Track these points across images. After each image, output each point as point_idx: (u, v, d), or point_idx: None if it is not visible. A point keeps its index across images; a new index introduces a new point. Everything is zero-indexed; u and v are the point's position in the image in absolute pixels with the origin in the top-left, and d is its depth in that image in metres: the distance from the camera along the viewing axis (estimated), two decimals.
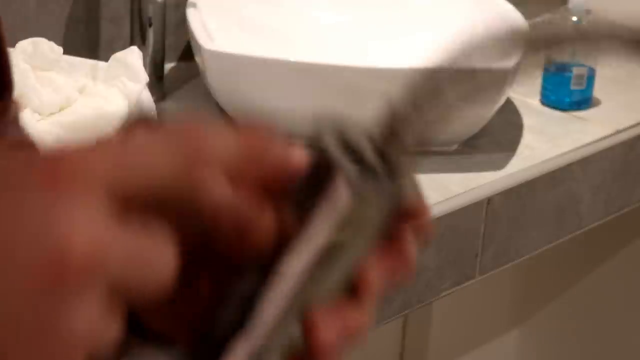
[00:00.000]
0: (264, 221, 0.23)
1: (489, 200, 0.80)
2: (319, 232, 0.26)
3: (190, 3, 0.97)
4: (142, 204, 0.20)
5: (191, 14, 0.96)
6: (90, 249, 0.18)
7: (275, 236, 0.24)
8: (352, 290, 0.27)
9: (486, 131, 0.87)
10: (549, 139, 0.94)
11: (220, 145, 0.22)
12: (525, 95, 1.01)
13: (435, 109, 0.27)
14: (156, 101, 0.91)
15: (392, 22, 1.10)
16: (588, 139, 0.95)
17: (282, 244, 0.25)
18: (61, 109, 0.85)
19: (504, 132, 0.90)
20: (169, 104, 1.02)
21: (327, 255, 0.26)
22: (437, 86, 0.27)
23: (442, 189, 0.82)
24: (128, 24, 1.06)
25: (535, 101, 1.01)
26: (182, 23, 0.99)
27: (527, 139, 0.87)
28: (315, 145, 0.25)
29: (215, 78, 0.94)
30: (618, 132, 0.95)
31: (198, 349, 0.26)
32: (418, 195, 0.27)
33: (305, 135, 0.26)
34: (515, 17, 0.97)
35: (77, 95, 0.86)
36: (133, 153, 0.20)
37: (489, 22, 0.98)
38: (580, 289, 1.46)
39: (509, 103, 0.93)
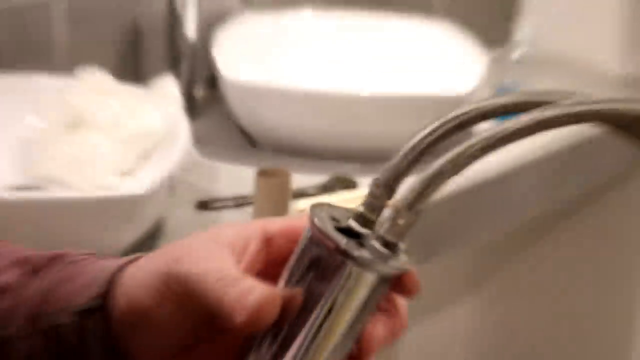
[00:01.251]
0: (275, 308, 0.28)
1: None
2: (330, 303, 0.29)
3: (215, 42, 1.14)
4: None
5: (215, 50, 1.12)
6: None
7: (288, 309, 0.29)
8: (358, 346, 0.30)
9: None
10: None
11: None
12: None
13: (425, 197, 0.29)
14: (190, 121, 1.04)
15: (388, 56, 1.24)
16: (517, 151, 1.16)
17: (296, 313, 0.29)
18: (116, 127, 0.98)
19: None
20: (200, 124, 1.15)
21: (339, 321, 0.30)
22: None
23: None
24: (166, 58, 1.21)
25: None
26: (208, 57, 1.14)
27: None
28: (323, 232, 0.29)
29: (233, 102, 1.08)
30: (541, 146, 1.17)
31: None
32: (408, 265, 0.30)
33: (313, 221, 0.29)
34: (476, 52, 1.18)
35: (128, 116, 1.00)
36: None
37: (452, 55, 1.20)
38: (524, 262, 1.68)
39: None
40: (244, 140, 1.23)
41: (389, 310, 0.30)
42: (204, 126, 1.18)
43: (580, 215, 1.59)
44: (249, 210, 1.03)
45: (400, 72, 1.18)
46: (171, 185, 1.02)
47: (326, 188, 1.10)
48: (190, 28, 1.16)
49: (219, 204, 1.06)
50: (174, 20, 1.17)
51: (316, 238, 0.29)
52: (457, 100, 0.99)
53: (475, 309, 1.85)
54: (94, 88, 1.01)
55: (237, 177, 1.10)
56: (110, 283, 0.33)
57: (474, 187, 1.06)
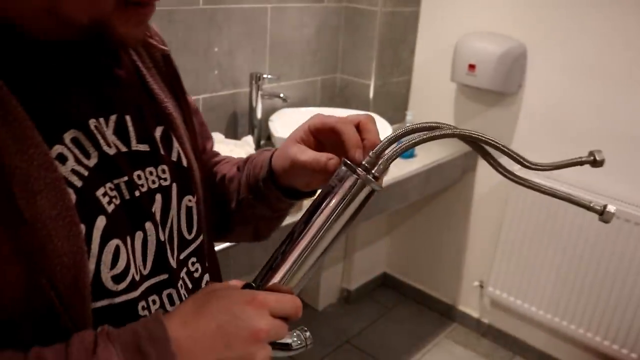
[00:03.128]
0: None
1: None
2: (343, 197, 0.54)
3: (270, 121, 1.79)
4: (277, 315, 0.50)
5: (270, 124, 1.78)
6: (264, 329, 0.47)
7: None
8: None
9: None
10: (400, 166, 1.83)
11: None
12: None
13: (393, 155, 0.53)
14: None
15: None
16: (414, 166, 1.88)
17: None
18: None
19: None
20: None
21: (339, 216, 0.54)
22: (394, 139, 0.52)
23: None
24: (248, 127, 1.85)
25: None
26: (267, 127, 1.80)
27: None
28: (345, 166, 0.55)
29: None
30: (423, 166, 1.87)
31: None
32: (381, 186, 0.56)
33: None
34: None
35: (229, 153, 1.40)
36: (280, 303, 0.51)
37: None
38: (411, 219, 2.54)
39: None
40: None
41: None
42: None
43: (437, 199, 2.52)
44: None
45: None
46: None
47: None
48: (259, 114, 1.81)
49: None
50: (251, 110, 1.80)
51: (345, 166, 0.54)
52: None
53: (390, 241, 2.72)
54: (216, 140, 1.31)
55: None
56: (270, 161, 0.69)
57: (392, 184, 1.77)
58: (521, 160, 0.53)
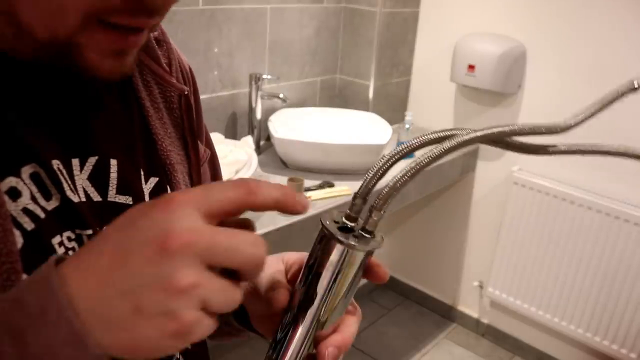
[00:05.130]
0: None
1: None
2: (336, 271, 0.40)
3: (269, 121, 1.77)
4: (218, 216, 0.31)
5: (270, 124, 1.76)
6: (184, 234, 0.28)
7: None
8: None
9: None
10: (399, 167, 1.82)
11: (264, 193, 0.32)
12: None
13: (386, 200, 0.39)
14: (257, 156, 1.61)
15: (348, 128, 1.87)
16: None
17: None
18: (225, 158, 1.47)
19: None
20: (262, 157, 1.75)
21: (343, 282, 0.41)
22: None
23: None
24: (248, 127, 1.84)
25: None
26: (267, 127, 1.77)
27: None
28: (324, 228, 0.40)
29: (277, 147, 1.68)
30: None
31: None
32: (382, 243, 0.40)
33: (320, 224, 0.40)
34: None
35: (229, 153, 1.50)
36: (213, 191, 0.31)
37: (377, 127, 1.79)
38: (410, 219, 2.54)
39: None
40: (282, 164, 1.77)
41: (370, 271, 0.43)
42: (264, 158, 1.80)
43: (437, 199, 2.52)
44: None
45: (353, 134, 1.85)
46: None
47: (320, 187, 1.61)
48: (258, 114, 1.80)
49: None
50: (251, 111, 1.79)
51: (326, 234, 0.40)
52: (380, 147, 1.66)
53: (390, 241, 2.72)
54: (216, 140, 1.43)
55: (279, 181, 1.54)
56: None
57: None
58: (553, 128, 0.43)
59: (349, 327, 0.44)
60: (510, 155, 2.17)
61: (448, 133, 0.40)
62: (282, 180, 1.61)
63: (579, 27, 1.91)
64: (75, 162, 0.45)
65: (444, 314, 2.59)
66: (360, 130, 1.87)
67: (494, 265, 2.27)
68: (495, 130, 0.40)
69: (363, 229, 0.41)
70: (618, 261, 1.96)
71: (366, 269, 0.43)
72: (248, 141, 1.71)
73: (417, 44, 2.31)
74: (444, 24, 2.20)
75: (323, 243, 0.41)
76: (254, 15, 1.81)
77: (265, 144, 1.91)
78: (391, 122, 2.00)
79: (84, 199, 0.45)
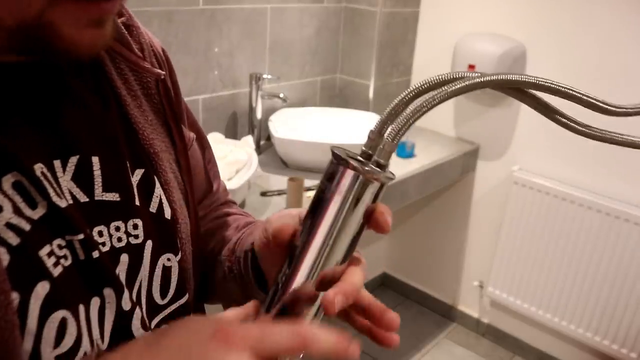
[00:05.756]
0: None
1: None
2: (348, 198, 0.39)
3: (270, 120, 1.77)
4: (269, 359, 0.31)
5: (270, 124, 1.76)
6: None
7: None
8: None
9: None
10: (399, 165, 1.81)
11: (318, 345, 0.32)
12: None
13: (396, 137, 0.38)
14: (257, 155, 1.59)
15: (349, 128, 1.87)
16: (413, 166, 1.85)
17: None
18: (225, 157, 1.48)
19: None
20: (262, 157, 1.74)
21: (354, 211, 0.39)
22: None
23: None
24: (248, 127, 1.83)
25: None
26: (267, 127, 1.78)
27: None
28: (337, 158, 0.39)
29: (277, 147, 1.68)
30: (422, 166, 1.85)
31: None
32: (392, 176, 0.39)
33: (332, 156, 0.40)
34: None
35: (229, 153, 1.51)
36: (272, 336, 0.31)
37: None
38: (411, 218, 2.54)
39: None
40: (282, 164, 1.77)
41: (375, 216, 0.41)
42: (264, 158, 1.80)
43: (437, 199, 2.51)
44: (284, 196, 1.47)
45: (353, 134, 1.85)
46: (249, 184, 1.45)
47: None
48: (259, 114, 1.79)
49: (270, 194, 1.52)
50: (251, 110, 1.79)
51: (336, 161, 0.39)
52: None
53: (390, 241, 2.70)
54: (216, 140, 1.60)
55: (279, 181, 1.62)
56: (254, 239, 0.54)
57: (392, 184, 1.72)
58: (598, 103, 0.39)
59: (354, 275, 0.43)
60: (511, 155, 2.17)
61: (456, 75, 0.40)
62: (282, 180, 1.60)
63: (579, 27, 1.91)
64: (57, 163, 0.43)
65: (444, 314, 2.59)
66: (361, 130, 1.87)
67: (494, 265, 2.26)
68: (515, 77, 0.39)
69: (375, 162, 0.41)
70: (618, 261, 1.96)
71: (370, 214, 0.41)
72: (248, 141, 1.71)
73: (417, 44, 2.31)
74: (444, 23, 2.20)
75: (334, 172, 0.40)
76: (254, 15, 1.80)
77: (265, 144, 1.91)
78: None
79: (70, 202, 0.43)
